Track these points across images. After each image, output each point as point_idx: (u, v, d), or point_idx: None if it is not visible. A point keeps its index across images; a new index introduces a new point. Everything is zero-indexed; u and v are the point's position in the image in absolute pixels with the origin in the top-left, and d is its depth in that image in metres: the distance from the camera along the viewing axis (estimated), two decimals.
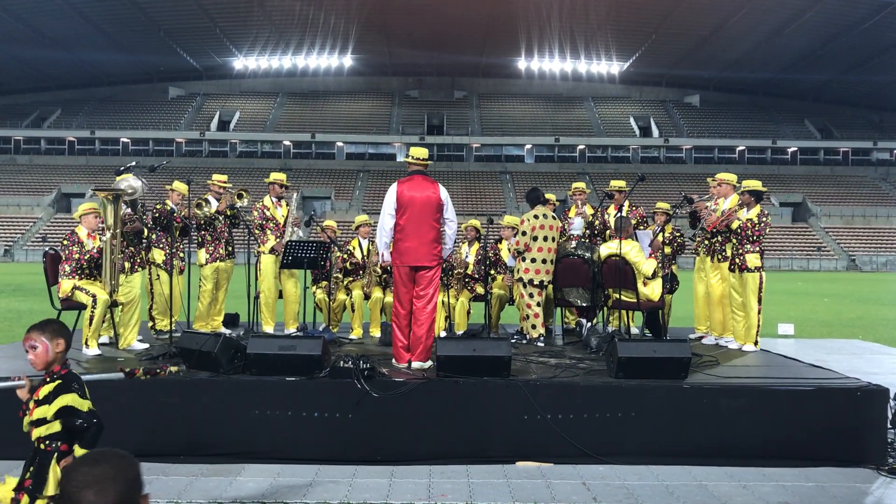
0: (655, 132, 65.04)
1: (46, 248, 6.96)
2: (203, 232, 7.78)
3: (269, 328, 7.86)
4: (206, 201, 7.80)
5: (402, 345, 5.95)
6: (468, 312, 8.18)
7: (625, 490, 4.57)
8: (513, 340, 6.96)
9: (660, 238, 7.94)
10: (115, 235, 6.38)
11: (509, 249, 7.87)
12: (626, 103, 69.38)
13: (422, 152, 6.18)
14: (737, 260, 7.23)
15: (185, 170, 47.81)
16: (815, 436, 5.15)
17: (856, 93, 64.90)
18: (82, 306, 6.48)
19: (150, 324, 7.71)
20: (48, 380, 3.27)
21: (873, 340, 11.70)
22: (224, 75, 67.80)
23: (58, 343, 3.29)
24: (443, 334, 7.71)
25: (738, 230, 7.19)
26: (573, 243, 7.72)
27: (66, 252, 6.53)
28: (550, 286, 7.62)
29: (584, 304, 7.62)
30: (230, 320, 8.52)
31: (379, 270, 7.90)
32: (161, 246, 7.55)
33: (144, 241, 7.39)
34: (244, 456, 5.04)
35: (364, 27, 54.99)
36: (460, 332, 7.94)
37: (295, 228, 7.93)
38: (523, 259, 7.34)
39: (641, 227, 8.23)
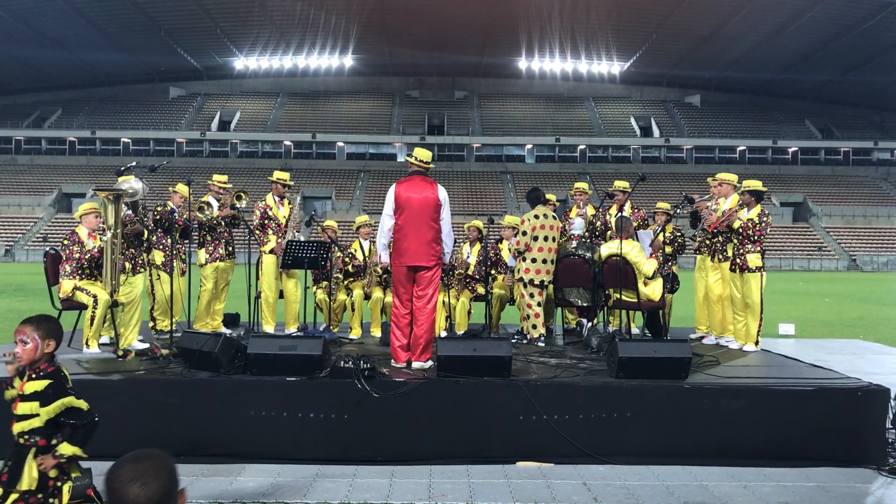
0: (656, 132, 65.03)
1: (47, 249, 6.96)
2: (203, 232, 7.79)
3: (269, 328, 7.86)
4: (208, 204, 7.80)
5: (399, 344, 5.95)
6: (469, 312, 8.18)
7: (625, 490, 4.57)
8: (513, 340, 6.95)
9: (660, 238, 7.93)
10: (115, 235, 6.38)
11: (510, 249, 7.87)
12: (626, 103, 69.37)
13: (424, 154, 6.16)
14: (738, 260, 7.23)
15: (185, 170, 47.85)
16: (815, 436, 5.14)
17: (856, 93, 64.87)
18: (83, 306, 6.48)
19: (151, 324, 7.71)
20: (33, 375, 3.27)
21: (874, 340, 11.69)
22: (225, 75, 67.82)
23: (48, 344, 3.30)
24: (443, 334, 7.71)
25: (739, 230, 7.19)
26: (574, 243, 7.71)
27: (67, 252, 6.53)
28: (551, 286, 7.62)
29: (585, 304, 7.62)
30: (230, 320, 8.53)
31: (379, 270, 7.90)
32: (161, 247, 7.55)
33: (145, 242, 7.39)
34: (245, 456, 5.04)
35: (364, 27, 55.00)
36: (461, 332, 7.93)
37: (296, 233, 7.92)
38: (524, 259, 7.33)
39: (643, 228, 8.23)
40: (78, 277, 6.53)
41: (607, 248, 7.31)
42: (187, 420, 5.15)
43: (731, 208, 7.47)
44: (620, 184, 8.43)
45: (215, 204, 7.90)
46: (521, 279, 7.38)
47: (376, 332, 7.84)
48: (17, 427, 3.22)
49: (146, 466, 1.89)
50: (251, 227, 7.91)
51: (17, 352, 3.26)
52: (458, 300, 8.04)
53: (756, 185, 7.39)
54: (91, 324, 6.36)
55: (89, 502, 4.11)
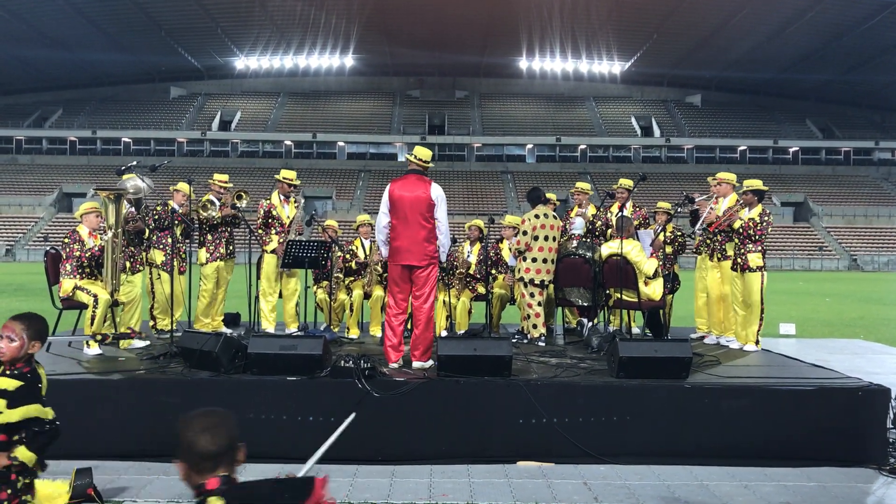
0: (657, 132, 65.01)
1: (48, 248, 6.96)
2: (204, 231, 7.78)
3: (269, 328, 7.85)
4: (211, 202, 7.80)
5: (390, 344, 5.94)
6: (469, 312, 8.18)
7: (626, 490, 4.56)
8: (514, 340, 6.95)
9: (661, 238, 7.93)
10: (116, 235, 6.38)
11: (510, 249, 7.86)
12: (627, 103, 69.35)
13: (423, 153, 6.13)
14: (739, 260, 7.22)
15: (186, 169, 47.88)
16: (816, 436, 5.14)
17: (857, 92, 64.84)
18: (83, 306, 6.47)
19: (151, 323, 7.71)
20: (7, 372, 3.26)
21: (875, 340, 11.68)
22: (225, 75, 67.85)
23: (34, 345, 3.29)
24: (444, 334, 7.71)
25: (741, 230, 7.18)
26: (574, 243, 7.71)
27: (68, 251, 6.53)
28: (551, 286, 7.62)
29: (586, 304, 7.61)
30: (231, 320, 8.52)
31: (380, 269, 7.90)
32: (161, 246, 7.54)
33: (145, 241, 7.39)
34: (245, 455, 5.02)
35: (365, 27, 55.01)
36: (461, 332, 7.93)
37: (297, 235, 7.90)
38: (524, 259, 7.33)
39: (643, 228, 8.22)
40: (78, 277, 6.52)
41: (608, 248, 7.31)
42: None
43: (730, 207, 7.47)
44: (625, 182, 8.42)
45: (216, 203, 7.90)
46: (521, 279, 7.38)
47: (377, 332, 7.84)
48: None
49: (215, 420, 2.14)
50: (251, 226, 7.91)
51: (1, 346, 3.23)
52: (458, 300, 8.04)
53: (757, 184, 7.38)
54: (91, 323, 6.35)
55: (89, 501, 4.13)
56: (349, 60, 64.29)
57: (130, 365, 5.84)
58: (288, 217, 7.89)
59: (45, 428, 3.27)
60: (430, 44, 57.83)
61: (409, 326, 6.40)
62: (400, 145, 62.02)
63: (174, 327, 6.90)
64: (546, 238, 7.28)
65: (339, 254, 8.29)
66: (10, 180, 58.35)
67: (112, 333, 4.05)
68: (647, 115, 67.24)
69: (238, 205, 7.86)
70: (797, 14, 49.61)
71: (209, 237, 7.78)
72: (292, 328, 7.93)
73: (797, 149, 63.69)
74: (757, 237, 7.14)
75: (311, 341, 5.44)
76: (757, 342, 7.22)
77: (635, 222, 8.01)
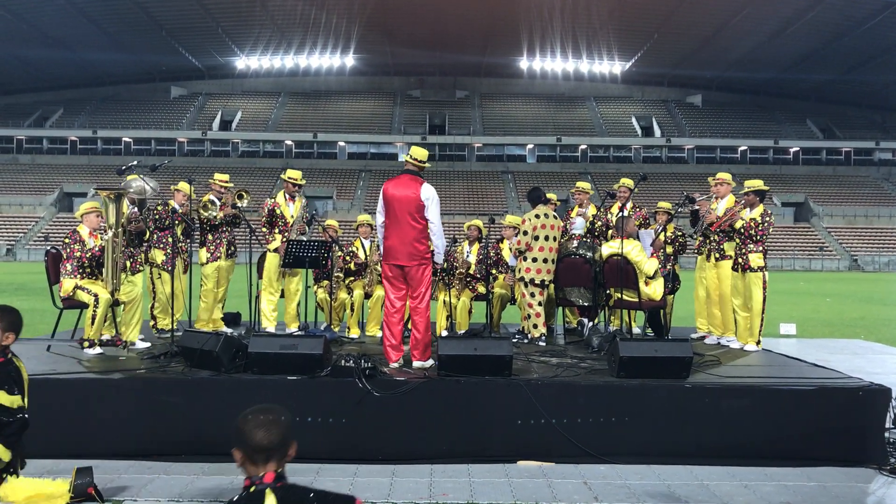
0: (657, 132, 64.99)
1: (48, 248, 6.96)
2: (205, 231, 7.79)
3: (270, 327, 7.86)
4: (213, 202, 7.80)
5: (390, 344, 5.95)
6: (470, 312, 8.18)
7: (626, 489, 4.57)
8: (514, 340, 6.95)
9: (661, 237, 7.93)
10: (116, 234, 6.38)
11: (511, 249, 7.86)
12: (628, 103, 69.33)
13: (419, 153, 6.13)
14: (740, 260, 7.22)
15: (186, 169, 47.89)
16: (816, 435, 5.14)
17: (858, 93, 64.81)
18: (84, 305, 6.48)
19: (152, 322, 7.72)
20: None
21: (875, 340, 11.68)
22: (226, 75, 67.86)
23: (7, 336, 3.30)
24: (444, 333, 7.71)
25: (742, 230, 7.18)
26: (575, 243, 7.71)
27: (68, 251, 6.53)
28: (552, 286, 7.62)
29: (586, 304, 7.61)
30: (231, 319, 8.53)
31: (380, 269, 7.89)
32: (162, 246, 7.55)
33: (146, 242, 7.40)
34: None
35: (366, 27, 55.01)
36: (462, 332, 7.93)
37: (298, 234, 7.90)
38: (525, 258, 7.33)
39: (644, 228, 8.22)
40: (79, 276, 6.53)
41: (608, 248, 7.31)
42: (188, 419, 5.15)
43: (727, 208, 7.47)
44: (626, 181, 8.42)
45: (217, 203, 7.90)
46: (521, 279, 7.38)
47: (375, 332, 7.84)
48: None
49: (271, 417, 2.29)
50: (252, 226, 7.91)
51: None
52: (459, 300, 8.04)
53: (758, 184, 7.38)
54: (92, 323, 6.36)
55: (90, 501, 4.13)
56: (350, 60, 64.29)
57: (131, 364, 5.84)
58: (292, 216, 7.90)
59: (9, 418, 3.25)
60: (430, 44, 57.82)
61: (409, 326, 6.40)
62: (400, 145, 62.00)
63: (175, 327, 6.90)
64: (546, 238, 7.28)
65: (340, 254, 8.30)
66: (10, 180, 58.37)
67: (98, 340, 3.98)
68: (648, 115, 67.22)
69: (239, 204, 7.86)
70: (798, 14, 49.57)
71: (210, 237, 7.78)
72: (293, 328, 7.93)
73: (798, 149, 63.66)
74: (758, 237, 7.14)
75: (312, 341, 5.45)
76: (758, 342, 7.22)
77: (635, 222, 8.00)
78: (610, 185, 8.65)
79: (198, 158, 61.13)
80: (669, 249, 8.37)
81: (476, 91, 69.68)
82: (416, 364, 5.85)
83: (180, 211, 7.63)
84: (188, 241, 7.84)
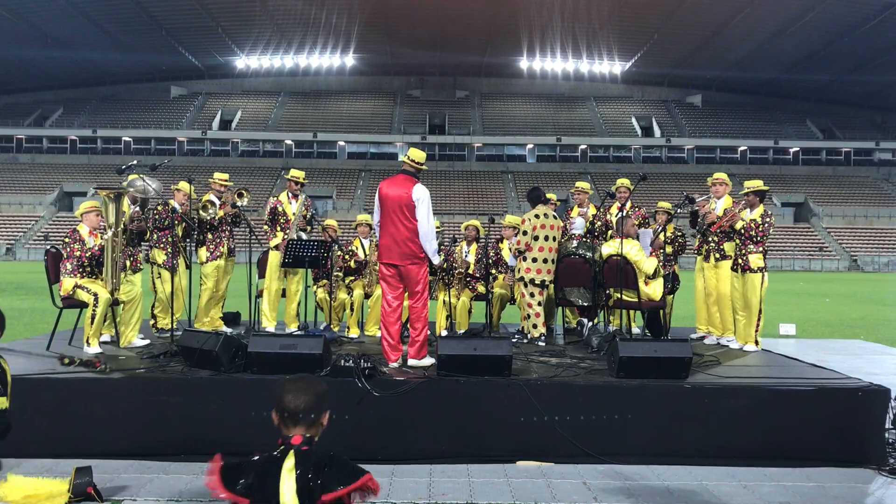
0: (657, 132, 65.00)
1: (48, 247, 6.97)
2: (205, 231, 7.79)
3: (270, 327, 7.86)
4: (212, 202, 7.80)
5: (388, 344, 5.96)
6: (469, 312, 8.18)
7: (625, 490, 4.57)
8: (514, 340, 6.95)
9: (661, 238, 7.93)
10: (116, 234, 6.38)
11: (510, 249, 7.86)
12: (627, 103, 69.35)
13: (417, 154, 6.14)
14: (739, 260, 7.22)
15: (186, 169, 47.95)
16: (816, 436, 5.14)
17: (858, 93, 64.84)
18: (84, 305, 6.48)
19: (152, 322, 7.72)
20: None
21: (875, 341, 11.69)
22: (226, 74, 67.86)
23: None
24: (444, 333, 7.71)
25: (742, 230, 7.18)
26: (574, 243, 7.71)
27: (68, 250, 6.54)
28: (552, 286, 7.62)
29: (586, 304, 7.61)
30: (231, 319, 8.53)
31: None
32: (162, 246, 7.55)
33: (146, 241, 7.40)
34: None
35: (366, 26, 55.01)
36: (461, 332, 7.94)
37: (300, 233, 7.91)
38: (524, 259, 7.33)
39: (643, 227, 8.22)
40: (79, 276, 6.53)
41: (608, 248, 7.31)
42: (187, 419, 5.15)
43: (727, 208, 7.47)
44: (624, 181, 8.42)
45: (216, 202, 7.91)
46: (521, 279, 7.38)
47: (374, 332, 7.84)
48: None
49: (300, 384, 2.52)
50: (252, 225, 7.92)
51: None
52: (458, 299, 8.05)
53: (758, 184, 7.38)
54: (91, 322, 6.36)
55: (89, 500, 4.13)
56: (350, 60, 64.29)
57: (130, 364, 5.84)
58: (294, 214, 7.92)
59: None
60: (430, 43, 57.83)
61: (409, 326, 6.40)
62: (400, 145, 62.01)
63: (174, 326, 6.89)
64: (546, 238, 7.28)
65: (339, 253, 8.30)
66: (10, 179, 58.37)
67: (79, 360, 3.87)
68: (648, 115, 67.24)
69: (239, 203, 7.87)
70: (798, 15, 49.59)
71: (210, 236, 7.79)
72: (292, 328, 7.94)
73: (798, 149, 63.69)
74: (758, 238, 7.14)
75: (311, 340, 5.45)
76: (757, 342, 7.22)
77: (634, 222, 8.00)
78: (610, 186, 8.64)
79: (197, 158, 61.14)
80: (669, 249, 8.37)
81: (476, 91, 69.69)
82: (411, 362, 5.86)
83: (180, 210, 7.63)
84: (188, 240, 7.84)
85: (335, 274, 8.16)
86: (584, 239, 8.07)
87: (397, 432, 5.14)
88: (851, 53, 55.13)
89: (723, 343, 7.62)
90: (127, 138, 62.44)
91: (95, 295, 6.37)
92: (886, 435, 5.26)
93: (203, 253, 7.82)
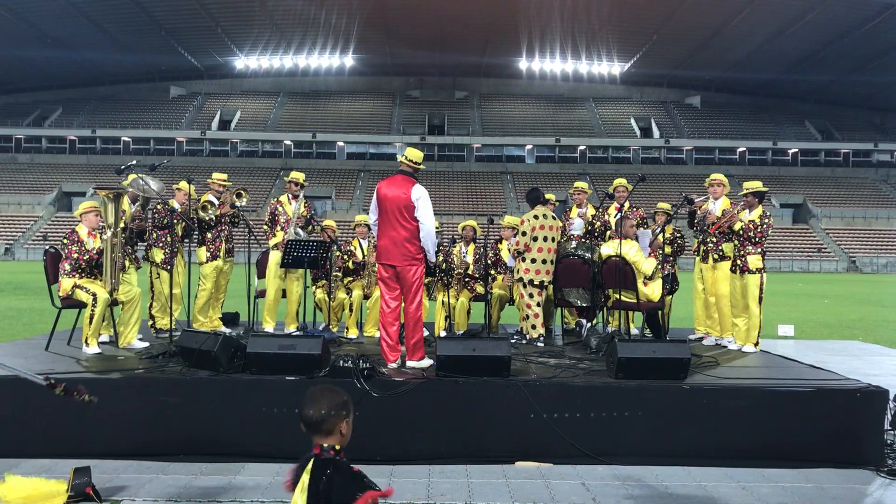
0: (656, 133, 65.04)
1: (47, 247, 6.96)
2: (204, 231, 7.79)
3: (269, 327, 7.86)
4: (211, 203, 7.80)
5: (387, 344, 5.96)
6: (468, 312, 8.18)
7: (624, 490, 4.57)
8: (512, 340, 6.95)
9: (660, 238, 7.93)
10: (115, 234, 6.38)
11: (509, 250, 7.86)
12: (626, 104, 69.39)
13: (413, 154, 6.13)
14: (738, 261, 7.23)
15: (185, 169, 47.92)
16: (814, 437, 5.15)
17: (857, 94, 64.90)
18: (83, 305, 6.48)
19: (151, 322, 7.71)
20: None
21: (873, 342, 11.69)
22: (225, 75, 67.85)
23: None
24: (443, 334, 7.72)
25: (741, 231, 7.19)
26: (573, 243, 7.71)
27: (66, 251, 6.53)
28: (550, 286, 7.62)
29: (584, 305, 7.62)
30: (230, 319, 8.53)
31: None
32: (161, 245, 7.55)
33: (144, 241, 7.40)
34: (244, 455, 5.04)
35: (365, 27, 55.01)
36: (460, 332, 7.94)
37: (298, 230, 7.92)
38: (523, 259, 7.33)
39: (642, 227, 8.22)
40: (77, 276, 6.53)
41: (607, 249, 7.32)
42: (187, 419, 5.15)
43: (725, 209, 7.48)
44: (621, 181, 8.43)
45: (215, 202, 7.91)
46: (520, 279, 7.38)
47: (373, 332, 7.84)
48: None
49: (317, 393, 2.58)
50: (251, 225, 7.92)
51: None
52: (457, 300, 8.05)
53: (757, 185, 7.39)
54: (90, 322, 6.36)
55: (88, 500, 4.13)
56: (349, 60, 64.30)
57: (129, 364, 5.84)
58: (293, 213, 7.93)
59: None
60: (430, 44, 57.84)
61: None
62: (399, 145, 62.00)
63: (173, 327, 6.90)
64: (545, 239, 7.28)
65: (338, 253, 8.30)
66: (9, 179, 58.32)
67: (63, 386, 3.62)
68: (647, 116, 67.27)
69: (237, 203, 7.87)
70: (797, 16, 49.64)
71: (208, 236, 7.79)
72: (291, 328, 7.94)
73: (796, 150, 63.74)
74: (757, 239, 7.15)
75: (310, 341, 5.45)
76: (755, 343, 7.23)
77: (633, 223, 8.01)
78: (608, 187, 8.64)
79: (197, 158, 61.12)
80: (668, 250, 8.37)
81: (475, 91, 69.71)
82: (409, 363, 5.86)
83: (180, 210, 7.63)
84: (187, 240, 7.84)
85: (334, 274, 8.16)
86: (582, 240, 8.07)
87: (396, 433, 5.14)
88: (850, 54, 55.18)
89: (721, 344, 7.63)
90: (126, 138, 62.41)
91: (94, 295, 6.37)
92: (885, 436, 5.27)
93: (202, 253, 7.82)
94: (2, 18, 50.44)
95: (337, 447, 2.56)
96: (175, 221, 7.55)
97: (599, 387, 5.31)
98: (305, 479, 2.48)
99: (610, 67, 64.58)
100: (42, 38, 54.79)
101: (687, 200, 7.97)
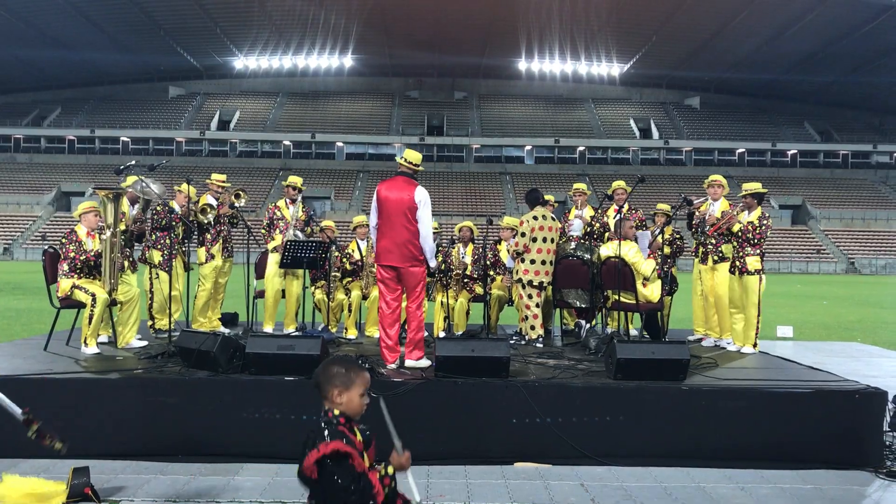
0: (655, 134, 65.09)
1: (46, 247, 6.96)
2: (203, 231, 7.79)
3: (269, 328, 7.86)
4: (211, 206, 7.80)
5: (386, 345, 5.95)
6: (467, 313, 8.18)
7: (623, 491, 4.57)
8: (511, 341, 6.95)
9: (659, 239, 7.94)
10: (114, 234, 6.37)
11: (508, 250, 7.86)
12: (626, 105, 69.44)
13: (413, 156, 6.14)
14: (737, 263, 7.24)
15: (185, 169, 47.90)
16: (813, 438, 5.15)
17: (856, 95, 64.98)
18: (81, 305, 6.47)
19: (150, 323, 7.71)
20: None
21: (872, 343, 11.70)
22: (224, 75, 67.87)
23: None
24: (442, 335, 7.71)
25: (739, 233, 7.19)
26: (572, 244, 7.71)
27: (65, 251, 6.53)
28: (550, 287, 7.62)
29: (584, 306, 7.62)
30: (229, 319, 8.52)
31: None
32: (159, 246, 7.54)
33: (146, 242, 7.40)
34: (243, 455, 5.03)
35: (365, 27, 55.05)
36: (459, 333, 7.94)
37: (297, 232, 7.91)
38: (522, 260, 7.33)
39: (641, 229, 8.22)
40: (76, 276, 6.52)
41: (606, 250, 7.32)
42: (185, 419, 5.14)
43: (724, 210, 7.48)
44: (618, 184, 8.44)
45: (214, 203, 7.91)
46: (519, 280, 7.38)
47: (373, 333, 7.84)
48: None
49: (327, 361, 2.94)
50: (249, 226, 7.92)
51: None
52: (456, 301, 8.05)
53: (756, 187, 7.40)
54: (89, 322, 6.35)
55: (86, 500, 4.13)
56: (348, 61, 64.32)
57: (128, 364, 5.84)
58: (291, 217, 7.94)
59: None
60: (429, 44, 57.88)
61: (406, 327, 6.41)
62: (398, 146, 62.02)
63: (172, 327, 6.89)
64: (544, 240, 7.28)
65: (337, 254, 8.30)
66: (8, 179, 58.31)
67: (37, 429, 3.38)
68: (646, 117, 67.32)
69: (236, 204, 7.87)
70: (796, 17, 49.70)
71: (207, 237, 7.79)
72: (290, 329, 7.94)
73: (795, 152, 63.81)
74: (756, 240, 7.15)
75: (309, 341, 5.45)
76: (754, 344, 7.23)
77: (633, 224, 8.01)
78: (607, 188, 8.65)
79: (196, 158, 61.12)
80: (667, 251, 8.38)
81: (474, 92, 69.74)
82: (408, 363, 5.86)
83: (179, 212, 7.63)
84: (187, 242, 7.84)
85: (333, 275, 8.16)
86: (582, 241, 8.07)
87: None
88: (849, 56, 55.27)
89: (720, 345, 7.63)
90: (125, 138, 62.40)
91: (93, 295, 6.36)
92: (884, 437, 5.27)
93: (202, 254, 7.82)
94: (1, 18, 50.41)
95: (336, 412, 2.89)
96: (175, 223, 7.55)
97: (598, 388, 5.31)
98: None
99: (609, 68, 64.62)
100: (41, 38, 54.79)
101: (686, 201, 7.97)
